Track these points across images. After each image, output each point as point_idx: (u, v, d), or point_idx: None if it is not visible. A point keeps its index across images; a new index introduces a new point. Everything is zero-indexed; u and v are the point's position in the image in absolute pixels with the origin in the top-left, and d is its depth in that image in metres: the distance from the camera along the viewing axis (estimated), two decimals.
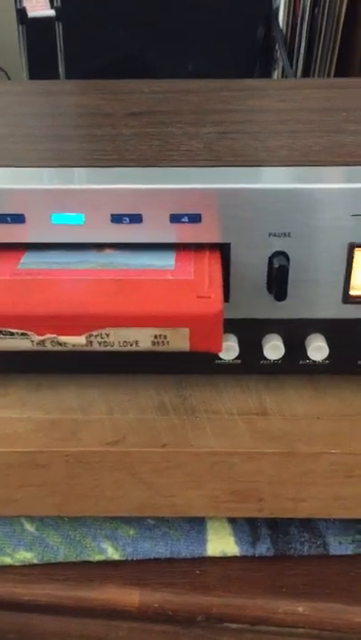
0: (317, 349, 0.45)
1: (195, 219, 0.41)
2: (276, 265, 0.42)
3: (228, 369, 0.47)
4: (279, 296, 0.42)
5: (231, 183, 0.41)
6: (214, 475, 0.44)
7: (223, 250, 0.42)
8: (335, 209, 0.41)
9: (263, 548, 0.48)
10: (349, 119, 0.53)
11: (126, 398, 0.48)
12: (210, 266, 0.40)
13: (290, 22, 1.21)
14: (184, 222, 0.41)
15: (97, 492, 0.45)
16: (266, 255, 0.42)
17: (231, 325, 0.45)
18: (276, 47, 1.18)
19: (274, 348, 0.45)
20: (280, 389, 0.49)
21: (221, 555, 0.48)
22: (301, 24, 1.19)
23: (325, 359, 0.46)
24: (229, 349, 0.46)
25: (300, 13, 1.17)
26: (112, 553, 0.48)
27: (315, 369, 0.47)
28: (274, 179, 0.41)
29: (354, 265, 0.43)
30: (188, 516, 0.47)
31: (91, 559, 0.48)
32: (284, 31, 1.23)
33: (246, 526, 0.49)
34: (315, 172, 0.42)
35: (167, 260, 0.41)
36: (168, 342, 0.37)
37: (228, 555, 0.48)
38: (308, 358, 0.46)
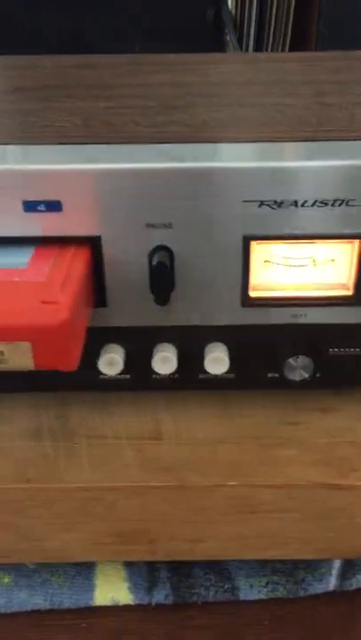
0: (215, 361, 0.38)
1: (54, 207, 0.34)
2: (154, 262, 0.34)
3: (114, 385, 0.40)
4: (160, 299, 0.35)
5: (98, 163, 0.34)
6: (89, 514, 0.37)
7: (93, 245, 0.35)
8: (224, 194, 0.34)
9: (161, 595, 0.41)
10: (255, 93, 0.46)
11: None
12: (70, 264, 0.33)
13: (239, 2, 1.14)
14: (41, 211, 0.34)
15: None
16: (145, 250, 0.35)
17: (113, 335, 0.38)
18: (226, 30, 1.10)
19: (164, 361, 0.38)
20: (182, 408, 0.42)
21: (112, 603, 0.41)
22: (251, 3, 1.12)
23: (228, 372, 0.39)
24: (112, 363, 0.38)
25: None
26: None
27: (218, 384, 0.40)
28: (151, 157, 0.34)
29: (251, 261, 0.36)
30: (66, 561, 0.40)
31: None
32: (235, 12, 1.16)
33: (144, 568, 0.42)
34: (202, 149, 0.35)
35: (21, 258, 0.34)
36: (7, 360, 0.30)
37: (121, 603, 0.41)
38: (208, 372, 0.39)
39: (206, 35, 1.29)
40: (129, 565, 0.42)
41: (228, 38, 1.21)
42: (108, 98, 0.45)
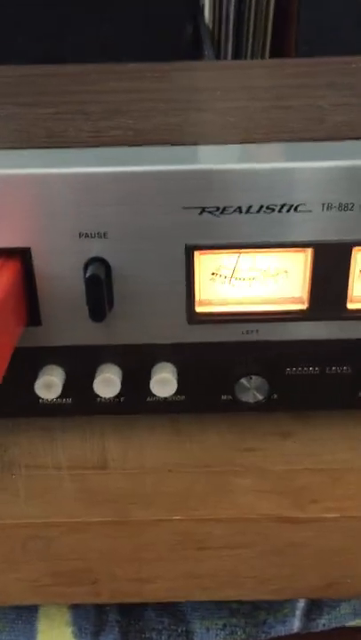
0: (162, 383, 0.35)
1: None
2: (87, 275, 0.31)
3: (55, 410, 0.37)
4: (95, 315, 0.32)
5: (26, 167, 0.31)
6: (27, 552, 0.34)
7: (22, 257, 0.32)
8: (163, 200, 0.31)
9: None
10: (215, 98, 0.43)
11: None
12: None
13: (216, 16, 1.13)
14: None
15: None
16: (79, 262, 0.32)
17: (51, 355, 0.35)
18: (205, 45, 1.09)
19: (106, 383, 0.35)
20: (131, 434, 0.38)
21: None
22: (228, 17, 1.11)
23: (177, 395, 0.36)
24: (50, 385, 0.35)
25: (225, 6, 1.08)
26: None
27: (167, 407, 0.37)
28: (84, 161, 0.31)
29: (196, 274, 0.33)
30: (5, 604, 0.37)
31: None
32: (212, 27, 1.14)
33: (91, 611, 0.39)
34: (140, 152, 0.32)
35: None
36: None
37: None
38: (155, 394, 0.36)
39: (185, 50, 1.28)
40: (75, 607, 0.39)
41: (206, 53, 1.20)
42: (56, 104, 0.42)
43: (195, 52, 1.20)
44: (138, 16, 1.13)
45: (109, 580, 0.35)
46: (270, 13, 1.12)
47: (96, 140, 0.34)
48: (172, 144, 0.33)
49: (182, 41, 1.20)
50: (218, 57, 1.18)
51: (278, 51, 1.15)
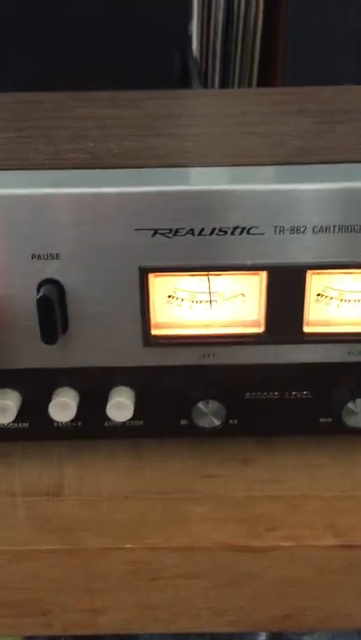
0: (118, 407, 0.34)
1: None
2: (38, 296, 0.31)
3: (11, 435, 0.36)
4: (47, 337, 0.32)
5: None
6: None
7: None
8: (116, 221, 0.31)
9: None
10: (180, 124, 0.44)
11: None
12: None
13: (204, 49, 1.15)
14: None
15: None
16: (33, 284, 0.32)
17: (5, 378, 0.35)
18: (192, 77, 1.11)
19: (62, 407, 0.34)
20: (91, 460, 0.38)
21: None
22: (214, 49, 1.13)
23: (135, 419, 0.35)
24: (5, 409, 0.35)
25: (212, 38, 1.10)
26: None
27: (126, 432, 0.36)
28: (36, 183, 0.31)
29: (151, 296, 0.33)
30: None
31: None
32: (200, 58, 1.16)
33: None
34: (92, 175, 0.32)
35: None
36: None
37: None
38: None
39: (174, 81, 1.30)
40: (30, 639, 0.37)
41: (194, 85, 1.22)
42: (20, 129, 0.42)
43: (183, 85, 1.22)
44: (128, 50, 1.16)
45: (61, 610, 0.34)
46: (257, 45, 1.14)
47: (53, 162, 0.34)
48: (127, 167, 0.33)
49: (171, 75, 1.22)
50: (206, 88, 1.20)
51: (266, 81, 1.17)
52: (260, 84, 1.16)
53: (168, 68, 1.26)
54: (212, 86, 1.19)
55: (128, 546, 0.32)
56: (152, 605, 0.33)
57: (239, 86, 1.17)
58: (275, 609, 0.33)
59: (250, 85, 1.17)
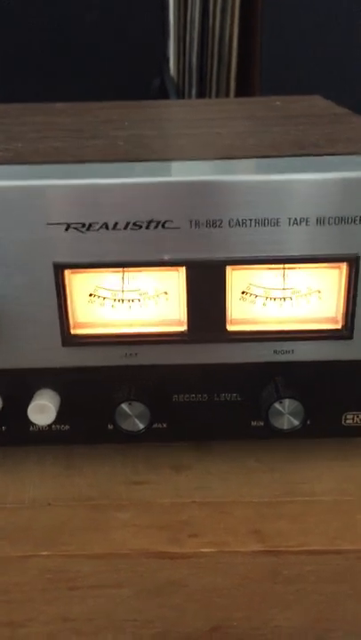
0: (39, 410, 0.33)
1: None
2: None
3: None
4: None
5: None
6: None
7: None
8: (27, 216, 0.30)
9: None
10: (118, 127, 0.43)
11: None
12: None
13: (181, 67, 1.16)
14: None
15: None
16: None
17: None
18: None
19: None
20: (18, 467, 0.36)
21: None
22: (190, 67, 1.14)
23: (60, 424, 0.34)
24: None
25: (188, 55, 1.11)
26: None
27: (52, 438, 0.35)
28: None
29: (69, 294, 0.32)
30: None
31: None
32: (177, 77, 1.17)
33: None
34: (8, 170, 0.31)
35: None
36: None
37: None
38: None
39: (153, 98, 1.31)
40: None
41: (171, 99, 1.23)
42: None
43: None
44: (107, 71, 1.16)
45: None
46: (233, 60, 1.15)
47: None
48: (47, 163, 0.32)
49: (149, 94, 1.23)
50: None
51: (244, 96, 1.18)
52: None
53: (146, 92, 1.28)
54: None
55: (44, 553, 0.31)
56: (73, 617, 0.32)
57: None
58: (201, 620, 0.32)
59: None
